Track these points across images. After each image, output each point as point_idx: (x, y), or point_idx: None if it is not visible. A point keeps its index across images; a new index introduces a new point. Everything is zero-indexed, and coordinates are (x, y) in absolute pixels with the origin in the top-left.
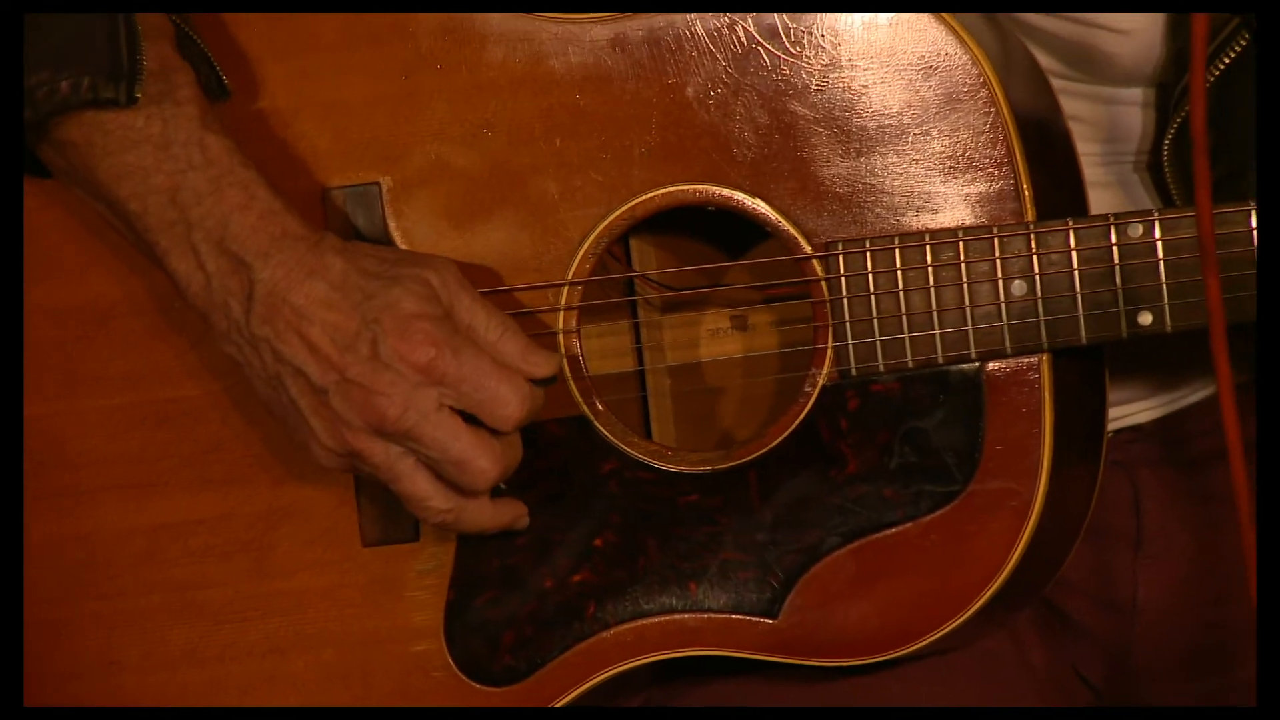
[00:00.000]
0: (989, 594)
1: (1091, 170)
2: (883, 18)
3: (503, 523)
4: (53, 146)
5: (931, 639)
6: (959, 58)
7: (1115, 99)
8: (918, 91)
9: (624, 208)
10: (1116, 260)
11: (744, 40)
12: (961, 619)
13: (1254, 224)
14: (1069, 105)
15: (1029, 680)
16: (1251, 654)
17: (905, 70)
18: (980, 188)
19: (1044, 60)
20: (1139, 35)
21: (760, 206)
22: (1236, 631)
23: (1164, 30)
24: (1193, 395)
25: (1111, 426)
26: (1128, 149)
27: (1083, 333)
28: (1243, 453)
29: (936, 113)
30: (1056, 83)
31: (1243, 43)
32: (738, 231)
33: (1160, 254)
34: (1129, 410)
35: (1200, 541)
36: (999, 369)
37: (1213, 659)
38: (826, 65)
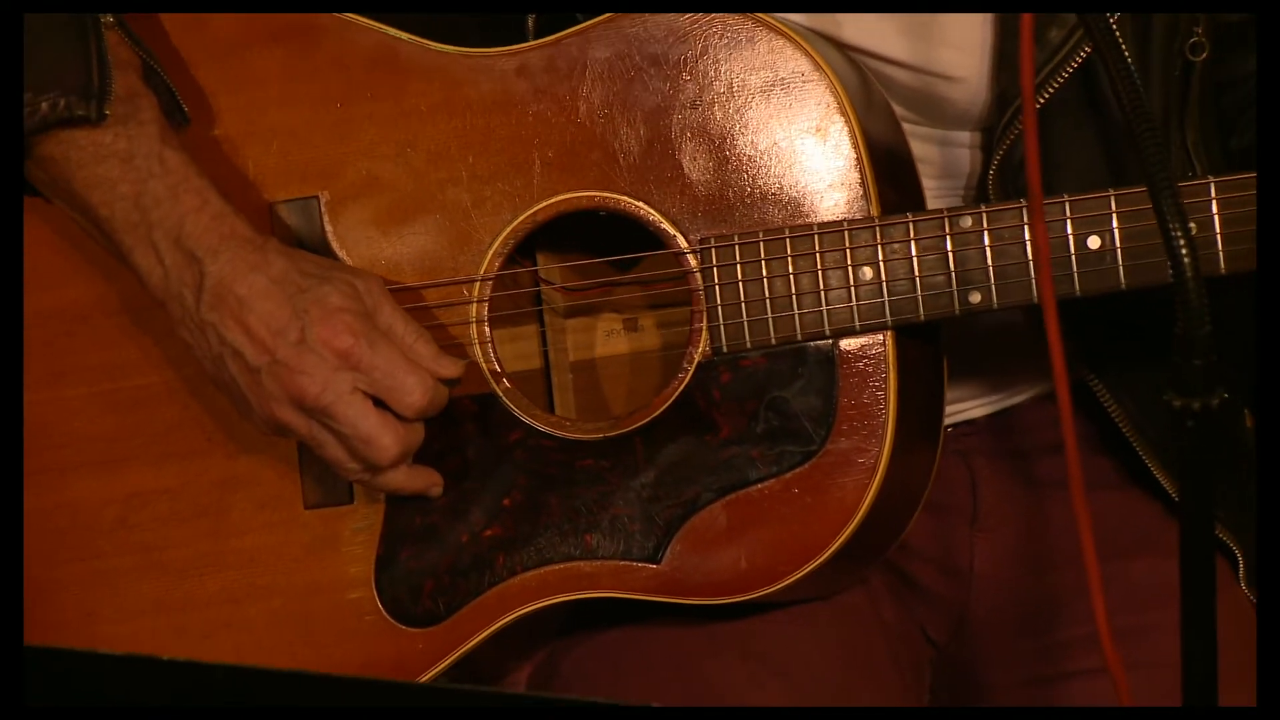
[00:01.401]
0: (842, 540)
1: (928, 201)
2: (755, 46)
3: (416, 488)
4: (35, 162)
5: (792, 579)
6: (818, 82)
7: (949, 140)
8: (781, 109)
9: (527, 213)
10: (950, 248)
11: (629, 67)
12: (818, 562)
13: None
14: (911, 146)
15: (880, 632)
16: (1077, 615)
17: (771, 91)
18: (834, 191)
19: (892, 104)
20: (970, 82)
21: (643, 209)
22: (1061, 596)
23: (990, 78)
24: (1020, 396)
25: (951, 420)
26: (958, 184)
27: (921, 311)
28: (1074, 430)
29: (797, 127)
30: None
31: (1057, 83)
32: (630, 242)
33: (987, 242)
34: (966, 406)
35: (1028, 520)
36: (850, 345)
37: (1040, 620)
38: (702, 87)
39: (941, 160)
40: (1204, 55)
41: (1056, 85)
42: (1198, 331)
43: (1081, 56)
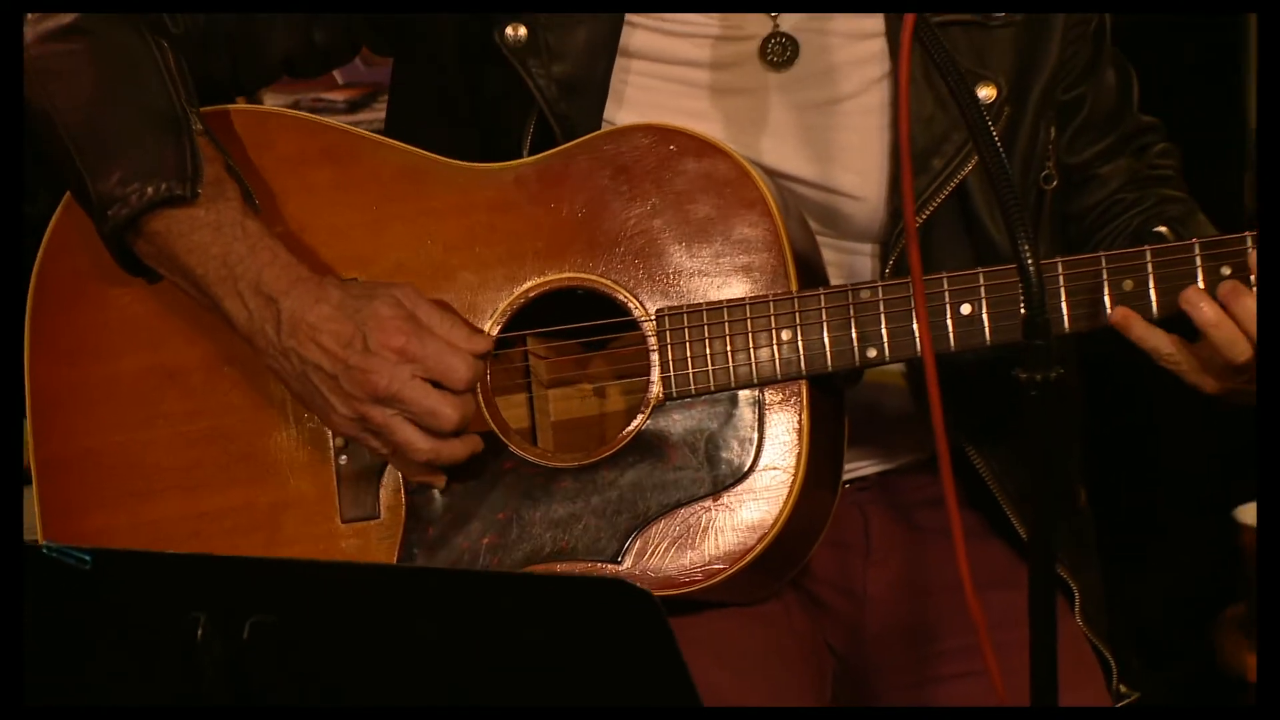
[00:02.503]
0: (763, 546)
1: None
2: (701, 161)
3: (470, 450)
4: (143, 237)
5: (724, 577)
6: (752, 190)
7: (852, 250)
8: (722, 210)
9: (520, 290)
10: (852, 315)
11: (602, 177)
12: (745, 563)
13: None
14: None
15: (794, 637)
16: (948, 631)
17: (714, 196)
18: (761, 274)
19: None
20: (869, 200)
21: (611, 287)
22: (936, 617)
23: (885, 199)
24: (904, 460)
25: (849, 476)
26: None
27: (829, 364)
28: (952, 479)
29: (733, 224)
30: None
31: (937, 201)
32: (602, 311)
33: (882, 310)
34: (862, 466)
35: (910, 556)
36: (773, 392)
37: (920, 635)
38: (659, 192)
39: (844, 265)
40: (1053, 185)
41: (937, 203)
42: (1039, 317)
43: (957, 180)
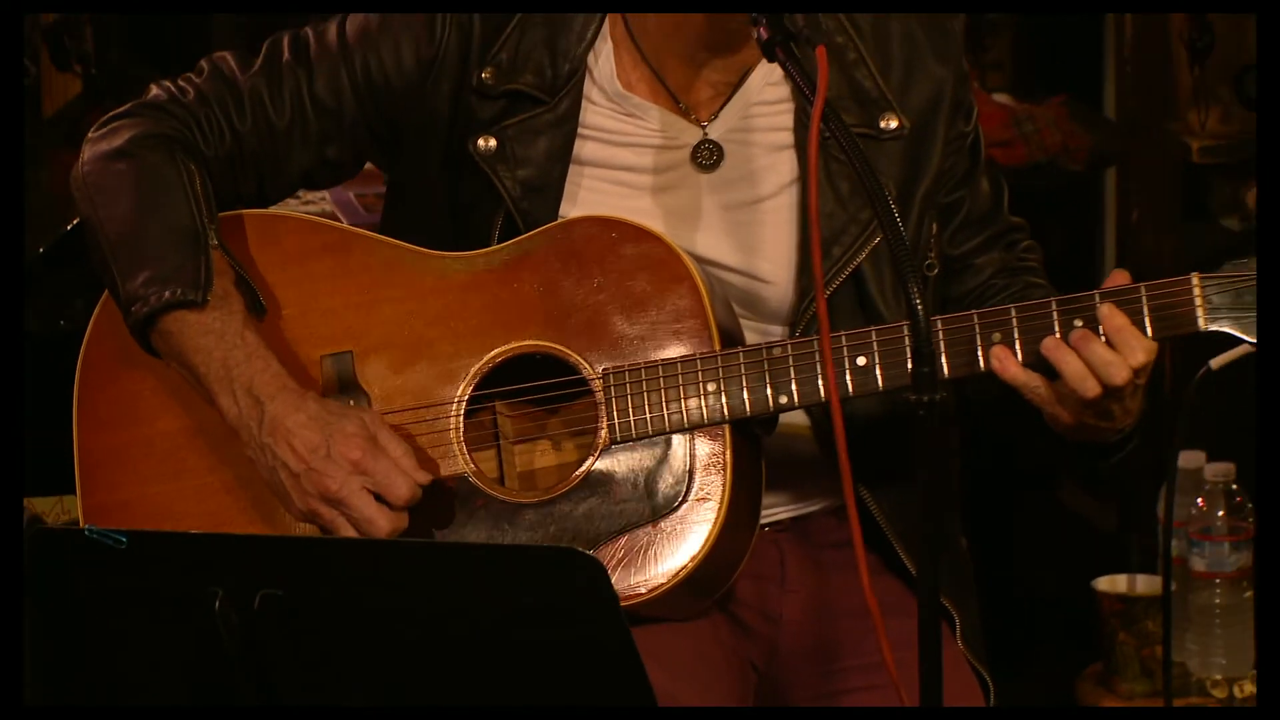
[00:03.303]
0: (693, 565)
1: None
2: (639, 245)
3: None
4: (158, 334)
5: (662, 591)
6: (682, 269)
7: (766, 331)
8: (658, 287)
9: (488, 356)
10: (766, 369)
11: (555, 261)
12: (679, 579)
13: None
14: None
15: (720, 651)
16: (852, 651)
17: (651, 275)
18: (691, 338)
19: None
20: (780, 285)
21: (565, 352)
22: (841, 639)
23: (795, 281)
24: (815, 506)
25: (767, 520)
26: None
27: (748, 410)
28: (856, 512)
29: (668, 297)
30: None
31: (837, 282)
32: (557, 372)
33: (791, 363)
34: (778, 511)
35: (819, 587)
36: (702, 435)
37: (827, 654)
38: (604, 272)
39: (760, 341)
40: (935, 272)
41: (837, 284)
42: (926, 348)
43: (853, 265)
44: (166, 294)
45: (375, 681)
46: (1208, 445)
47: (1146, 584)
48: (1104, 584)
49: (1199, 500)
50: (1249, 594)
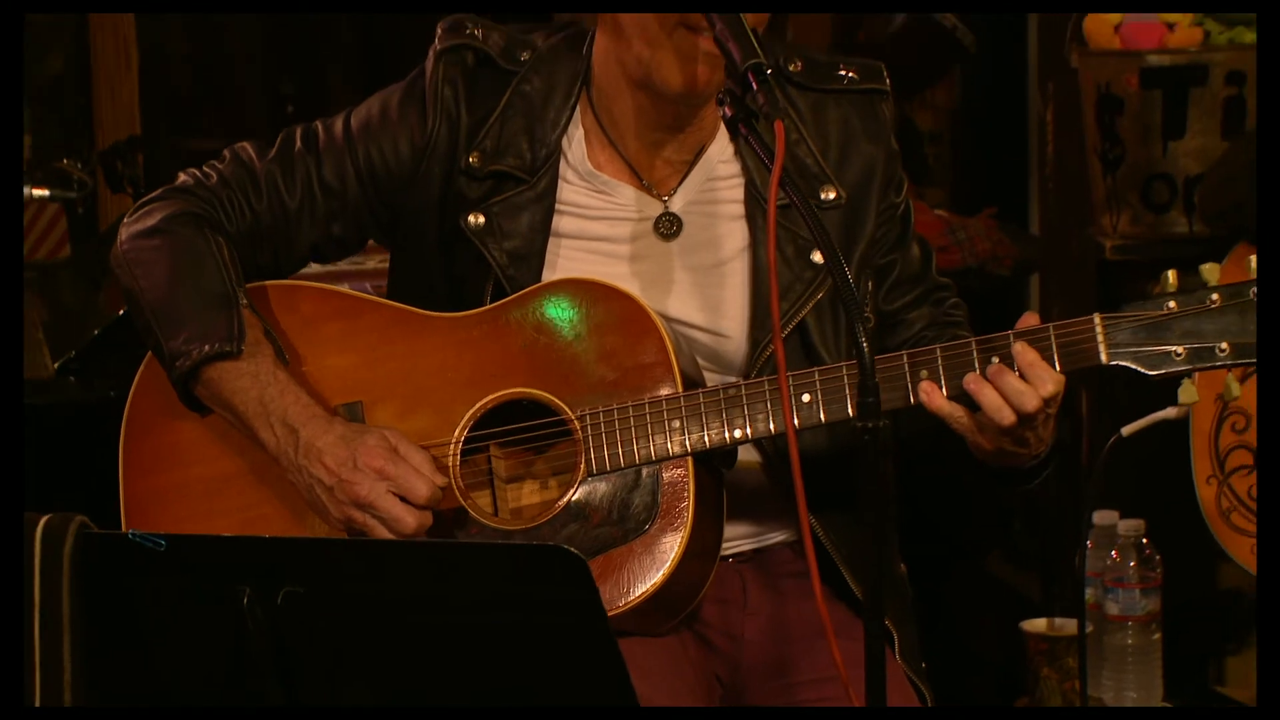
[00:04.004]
0: (662, 579)
1: None
2: (610, 303)
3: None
4: (200, 383)
5: (635, 603)
6: (650, 323)
7: (726, 381)
8: (628, 340)
9: (480, 403)
10: (723, 407)
11: (538, 320)
12: (648, 592)
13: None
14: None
15: (691, 666)
16: (807, 667)
17: (622, 329)
18: (660, 385)
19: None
20: (736, 338)
21: (548, 398)
22: (796, 656)
23: (748, 335)
24: (773, 539)
25: (729, 551)
26: None
27: (707, 443)
28: (813, 547)
29: (637, 350)
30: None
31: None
32: (540, 415)
33: (745, 401)
34: (740, 543)
35: (777, 610)
36: (668, 466)
37: (784, 669)
38: (579, 328)
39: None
40: (870, 325)
41: (786, 333)
42: (870, 380)
43: (799, 317)
44: (206, 348)
45: (388, 668)
46: (1120, 504)
47: (1067, 626)
48: (1030, 625)
49: (1113, 553)
50: (1157, 635)
